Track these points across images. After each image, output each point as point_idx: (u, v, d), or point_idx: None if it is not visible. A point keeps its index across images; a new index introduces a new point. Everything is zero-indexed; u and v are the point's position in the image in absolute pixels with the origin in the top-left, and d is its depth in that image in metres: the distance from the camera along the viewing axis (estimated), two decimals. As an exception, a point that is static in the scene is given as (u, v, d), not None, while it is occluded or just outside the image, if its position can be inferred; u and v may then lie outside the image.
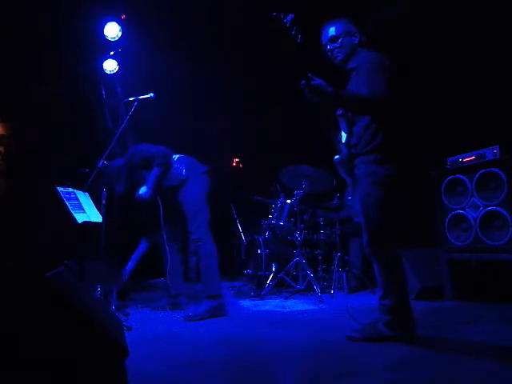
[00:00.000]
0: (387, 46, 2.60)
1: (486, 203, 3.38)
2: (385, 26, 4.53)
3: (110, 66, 5.08)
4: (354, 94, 2.39)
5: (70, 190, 3.39)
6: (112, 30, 4.93)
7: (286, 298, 4.13)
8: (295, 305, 3.82)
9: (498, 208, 3.30)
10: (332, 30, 2.55)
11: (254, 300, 4.15)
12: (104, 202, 3.34)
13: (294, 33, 2.19)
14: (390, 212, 2.44)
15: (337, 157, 2.59)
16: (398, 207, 2.48)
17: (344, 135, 2.59)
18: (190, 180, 3.49)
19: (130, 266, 4.05)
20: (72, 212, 3.24)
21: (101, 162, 3.28)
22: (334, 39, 2.55)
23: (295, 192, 4.69)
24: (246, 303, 3.98)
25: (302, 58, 2.20)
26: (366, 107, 2.38)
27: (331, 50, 2.57)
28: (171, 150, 3.60)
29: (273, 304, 3.89)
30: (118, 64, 5.09)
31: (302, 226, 4.61)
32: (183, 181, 3.49)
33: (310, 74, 2.22)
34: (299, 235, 4.49)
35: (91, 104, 5.16)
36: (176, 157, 3.60)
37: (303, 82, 2.23)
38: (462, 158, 3.63)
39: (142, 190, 3.43)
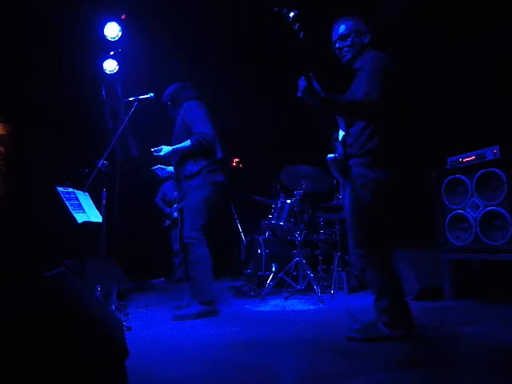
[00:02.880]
0: (387, 46, 2.60)
1: (486, 203, 3.38)
2: (384, 25, 4.53)
3: (110, 66, 5.08)
4: (345, 99, 2.37)
5: (70, 189, 3.39)
6: (112, 30, 4.94)
7: (286, 298, 4.13)
8: (295, 305, 3.82)
9: (498, 208, 3.30)
10: (342, 28, 2.53)
11: (254, 300, 4.15)
12: (104, 202, 3.34)
13: (296, 28, 2.17)
14: (379, 216, 2.42)
15: (330, 155, 2.58)
16: (388, 211, 2.46)
17: (341, 134, 2.59)
18: (198, 179, 3.36)
19: None
20: (72, 212, 3.23)
21: (101, 162, 3.28)
22: (343, 37, 2.52)
23: (295, 192, 4.69)
24: (246, 303, 3.98)
25: (302, 58, 2.19)
26: (355, 111, 2.36)
27: (340, 49, 2.55)
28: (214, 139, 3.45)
29: (273, 304, 3.89)
30: (118, 64, 5.10)
31: (302, 225, 4.61)
32: (192, 176, 3.37)
33: (311, 73, 2.21)
34: (299, 235, 4.49)
35: (91, 104, 5.16)
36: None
37: (303, 78, 2.23)
38: (462, 158, 3.63)
39: (166, 149, 3.42)
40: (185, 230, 3.36)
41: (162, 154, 3.43)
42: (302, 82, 2.23)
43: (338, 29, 2.55)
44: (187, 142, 3.37)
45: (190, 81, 3.73)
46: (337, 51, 2.58)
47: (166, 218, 5.86)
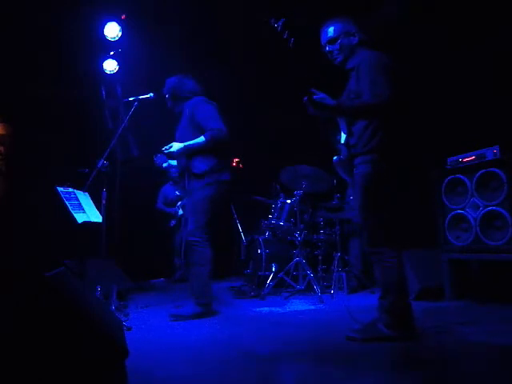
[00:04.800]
0: (387, 46, 2.60)
1: (486, 203, 3.38)
2: (384, 25, 4.53)
3: (110, 66, 5.08)
4: (356, 102, 2.39)
5: (70, 189, 3.39)
6: (112, 30, 4.93)
7: (286, 298, 4.13)
8: (295, 305, 3.82)
9: (498, 208, 3.30)
10: (330, 31, 2.54)
11: (253, 300, 4.15)
12: (104, 202, 3.34)
13: (285, 37, 2.20)
14: (388, 212, 2.44)
15: (336, 157, 2.60)
16: (396, 207, 2.48)
17: (343, 135, 2.60)
18: (207, 177, 3.30)
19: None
20: (72, 212, 3.23)
21: (101, 162, 3.28)
22: (332, 41, 2.54)
23: (295, 192, 4.69)
24: (246, 303, 3.98)
25: (301, 59, 2.21)
26: (369, 113, 2.39)
27: (330, 52, 2.56)
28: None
29: (273, 304, 3.89)
30: (118, 64, 5.10)
31: (302, 225, 4.61)
32: (202, 174, 3.31)
33: (312, 89, 2.24)
34: (299, 235, 4.49)
35: (91, 104, 5.16)
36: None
37: (305, 97, 2.26)
38: (462, 158, 3.63)
39: (177, 146, 3.32)
40: (189, 227, 3.31)
41: (173, 150, 3.33)
42: (307, 102, 2.27)
43: (327, 32, 2.56)
44: (201, 138, 3.27)
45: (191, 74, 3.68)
46: (328, 54, 2.59)
47: (171, 219, 5.87)
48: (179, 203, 5.69)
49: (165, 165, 3.73)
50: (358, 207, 2.48)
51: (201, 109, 3.38)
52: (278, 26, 2.21)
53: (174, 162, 3.67)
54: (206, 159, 3.32)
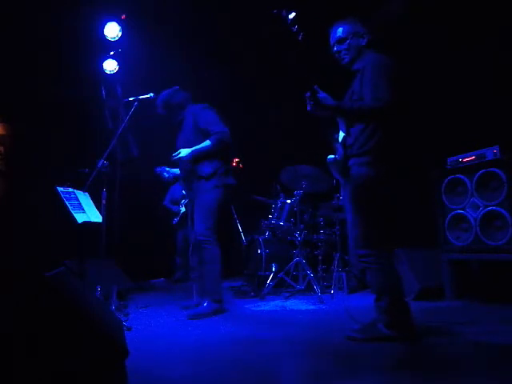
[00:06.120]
0: (387, 46, 2.60)
1: (486, 203, 3.38)
2: (385, 25, 4.53)
3: (110, 66, 5.07)
4: (357, 105, 2.39)
5: (70, 189, 3.39)
6: (112, 30, 4.93)
7: (286, 298, 4.13)
8: (295, 305, 3.82)
9: (498, 208, 3.30)
10: (340, 31, 2.55)
11: (254, 300, 4.15)
12: (104, 201, 3.34)
13: (295, 30, 2.19)
14: (380, 215, 2.43)
15: (330, 156, 2.59)
16: (388, 210, 2.47)
17: (341, 135, 2.59)
18: (214, 180, 3.40)
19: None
20: (72, 212, 3.23)
21: (101, 162, 3.28)
22: (341, 41, 2.54)
23: (295, 192, 4.69)
24: (246, 303, 3.98)
25: (302, 58, 2.20)
26: (369, 116, 2.39)
27: (338, 52, 2.57)
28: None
29: (273, 304, 3.89)
30: (118, 64, 5.09)
31: (302, 225, 4.61)
32: (208, 177, 3.40)
33: (315, 86, 2.24)
34: (299, 235, 4.49)
35: (91, 104, 5.16)
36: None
37: (308, 93, 2.26)
38: (462, 158, 3.63)
39: (185, 151, 3.42)
40: (198, 228, 3.39)
41: (182, 155, 3.42)
42: (309, 98, 2.28)
43: (336, 32, 2.57)
44: (207, 142, 3.40)
45: (177, 85, 3.73)
46: (335, 54, 2.59)
47: (175, 216, 5.89)
48: (182, 201, 5.72)
49: (166, 175, 3.86)
50: (351, 208, 2.48)
51: (203, 115, 3.50)
52: (288, 19, 2.21)
53: (176, 171, 3.75)
54: (210, 162, 3.43)
